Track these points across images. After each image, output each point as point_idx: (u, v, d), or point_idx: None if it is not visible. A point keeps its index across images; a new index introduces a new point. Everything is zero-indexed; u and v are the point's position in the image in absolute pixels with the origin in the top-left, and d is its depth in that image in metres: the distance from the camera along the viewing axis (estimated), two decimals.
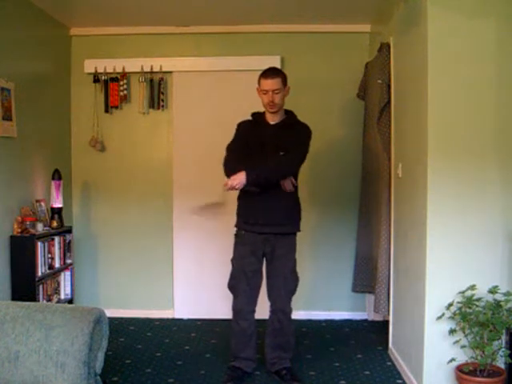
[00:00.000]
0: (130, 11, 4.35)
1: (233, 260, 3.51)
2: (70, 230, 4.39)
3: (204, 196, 4.82)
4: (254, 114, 3.53)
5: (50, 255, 4.00)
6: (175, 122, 4.84)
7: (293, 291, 3.49)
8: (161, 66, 4.75)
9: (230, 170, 3.30)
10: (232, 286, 3.49)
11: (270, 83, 3.33)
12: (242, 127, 3.51)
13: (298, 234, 3.52)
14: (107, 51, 4.80)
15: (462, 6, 3.03)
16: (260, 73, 3.43)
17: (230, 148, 3.46)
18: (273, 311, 3.50)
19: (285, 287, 3.45)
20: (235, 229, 3.52)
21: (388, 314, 3.95)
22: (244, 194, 3.44)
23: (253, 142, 3.40)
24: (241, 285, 3.43)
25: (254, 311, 3.48)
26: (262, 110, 3.49)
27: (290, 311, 3.50)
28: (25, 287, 3.73)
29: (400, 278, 3.69)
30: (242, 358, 3.49)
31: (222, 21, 4.63)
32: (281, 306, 3.46)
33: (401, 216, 3.68)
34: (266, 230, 3.38)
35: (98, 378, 2.26)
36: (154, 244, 4.90)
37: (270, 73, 3.38)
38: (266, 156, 3.32)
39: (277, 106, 3.38)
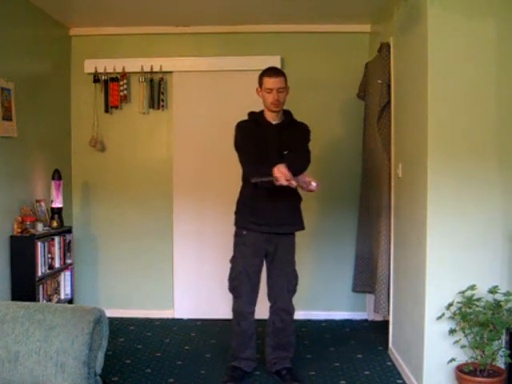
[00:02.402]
0: (130, 11, 4.35)
1: (233, 260, 3.48)
2: (69, 230, 4.39)
3: (204, 196, 4.82)
4: (252, 114, 3.48)
5: (50, 255, 4.00)
6: (175, 122, 4.84)
7: (294, 290, 3.50)
8: (161, 66, 4.75)
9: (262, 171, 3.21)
10: (234, 287, 3.45)
11: (275, 81, 3.32)
12: (247, 128, 3.41)
13: (298, 233, 3.52)
14: (107, 51, 4.80)
15: (461, 6, 3.03)
16: (260, 73, 3.41)
17: (248, 152, 3.32)
18: (275, 311, 3.49)
19: (288, 286, 3.46)
20: (235, 228, 3.49)
21: (388, 314, 3.95)
22: (248, 194, 3.39)
23: (258, 143, 3.34)
24: (244, 286, 3.41)
25: (254, 312, 3.48)
26: (260, 110, 3.47)
27: (293, 310, 3.51)
28: (25, 287, 3.73)
29: (400, 278, 3.69)
30: (242, 358, 3.49)
31: (222, 21, 4.63)
32: (284, 305, 3.46)
33: (401, 216, 3.68)
34: (273, 229, 3.36)
35: (98, 378, 2.25)
36: (154, 244, 4.90)
37: (274, 71, 3.37)
38: (274, 157, 3.28)
39: (281, 105, 3.37)
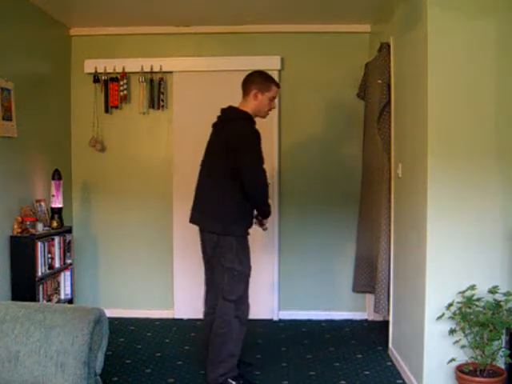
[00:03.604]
0: (130, 11, 4.35)
1: (241, 266, 3.28)
2: (70, 230, 4.38)
3: None
4: (251, 117, 3.38)
5: (50, 255, 3.99)
6: (175, 122, 4.84)
7: None
8: (161, 66, 4.75)
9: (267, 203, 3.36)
10: (243, 293, 3.30)
11: (278, 91, 3.33)
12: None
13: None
14: (107, 51, 4.80)
15: (461, 5, 3.03)
16: (263, 79, 3.35)
17: (263, 172, 3.29)
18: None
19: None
20: (240, 236, 3.35)
21: (388, 314, 3.95)
22: (244, 203, 3.29)
23: None
24: (247, 289, 3.34)
25: None
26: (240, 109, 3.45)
27: None
28: (25, 287, 3.73)
29: (400, 278, 3.69)
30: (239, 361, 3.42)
31: (222, 21, 4.63)
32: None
33: (401, 216, 3.68)
34: None
35: (98, 377, 2.26)
36: (154, 244, 4.90)
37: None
38: None
39: None
